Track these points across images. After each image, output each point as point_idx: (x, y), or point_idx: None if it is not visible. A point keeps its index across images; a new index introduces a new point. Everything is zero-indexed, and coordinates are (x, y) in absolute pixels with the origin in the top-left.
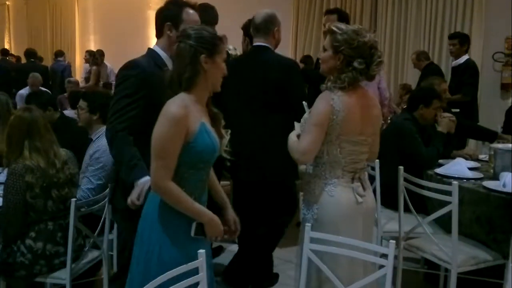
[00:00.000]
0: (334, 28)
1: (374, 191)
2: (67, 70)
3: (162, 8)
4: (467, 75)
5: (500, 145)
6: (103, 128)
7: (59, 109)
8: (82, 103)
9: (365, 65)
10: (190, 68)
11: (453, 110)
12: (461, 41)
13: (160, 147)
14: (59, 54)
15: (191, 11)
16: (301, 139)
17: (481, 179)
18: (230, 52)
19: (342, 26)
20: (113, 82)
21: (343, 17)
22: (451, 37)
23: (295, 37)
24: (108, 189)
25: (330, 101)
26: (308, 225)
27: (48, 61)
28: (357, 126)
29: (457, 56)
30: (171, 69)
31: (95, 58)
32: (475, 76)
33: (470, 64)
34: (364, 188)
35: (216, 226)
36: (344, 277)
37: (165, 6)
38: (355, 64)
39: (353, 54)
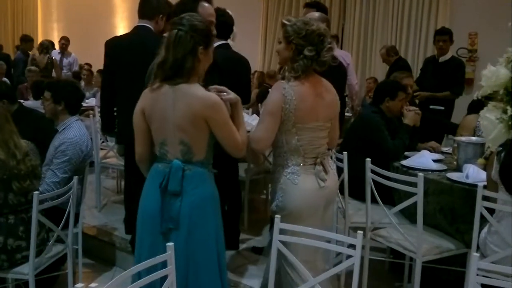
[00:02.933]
0: (285, 21)
1: (342, 183)
2: (16, 60)
3: (179, 3)
4: (459, 74)
5: (463, 138)
6: (70, 119)
7: (19, 100)
8: (46, 94)
9: (315, 52)
10: (191, 58)
11: (437, 107)
12: (451, 37)
13: (230, 124)
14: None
15: (206, 4)
16: (255, 127)
17: (445, 170)
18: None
19: (292, 18)
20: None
21: (322, 11)
22: (441, 32)
23: (264, 32)
24: (72, 181)
25: (281, 91)
26: (277, 217)
27: (8, 50)
28: (311, 113)
29: (443, 53)
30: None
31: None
32: (464, 75)
33: (459, 62)
34: (326, 172)
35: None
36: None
37: (182, 1)
38: (306, 52)
39: (302, 42)
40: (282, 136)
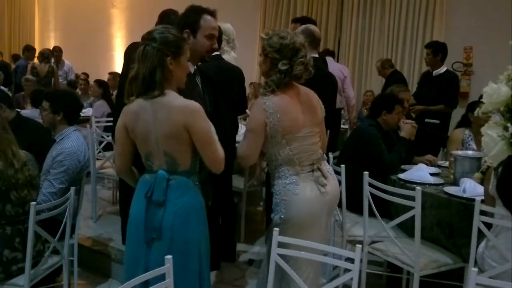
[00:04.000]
0: (262, 35)
1: (340, 196)
2: (18, 67)
3: (182, 14)
4: (452, 87)
5: (460, 152)
6: (68, 130)
7: (16, 109)
8: (44, 104)
9: (289, 65)
10: (160, 71)
11: (432, 121)
12: (434, 51)
13: (212, 133)
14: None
15: (208, 17)
16: (240, 144)
17: (442, 184)
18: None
19: (270, 31)
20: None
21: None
22: (426, 46)
23: (261, 41)
24: (69, 192)
25: (262, 106)
26: (276, 230)
27: (5, 59)
28: (298, 122)
29: (433, 66)
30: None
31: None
32: (458, 88)
33: (453, 76)
34: (325, 177)
35: None
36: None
37: (185, 13)
38: (280, 66)
39: (277, 56)
40: (274, 149)
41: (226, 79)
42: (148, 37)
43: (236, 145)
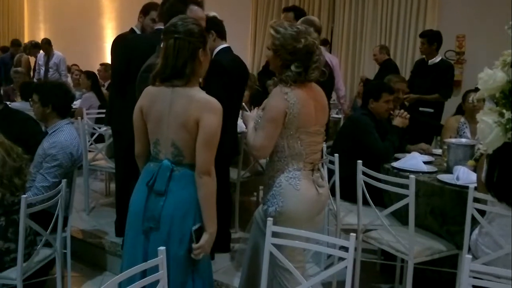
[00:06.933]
0: (272, 31)
1: (334, 185)
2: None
3: (168, 5)
4: (448, 76)
5: (453, 140)
6: (60, 123)
7: (3, 101)
8: (34, 96)
9: (303, 68)
10: (191, 63)
11: (426, 109)
12: (428, 40)
13: (216, 139)
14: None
15: (195, 7)
16: (255, 135)
17: (435, 172)
18: None
19: (281, 28)
20: (63, 72)
21: (300, 14)
22: (421, 35)
23: (253, 34)
24: (60, 185)
25: (284, 96)
26: (270, 220)
27: None
28: (312, 117)
29: (428, 55)
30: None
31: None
32: (453, 78)
33: (448, 65)
34: (322, 179)
35: (211, 241)
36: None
37: (171, 3)
38: (293, 67)
39: (289, 58)
40: (284, 141)
41: (240, 72)
42: (176, 30)
43: (239, 135)
